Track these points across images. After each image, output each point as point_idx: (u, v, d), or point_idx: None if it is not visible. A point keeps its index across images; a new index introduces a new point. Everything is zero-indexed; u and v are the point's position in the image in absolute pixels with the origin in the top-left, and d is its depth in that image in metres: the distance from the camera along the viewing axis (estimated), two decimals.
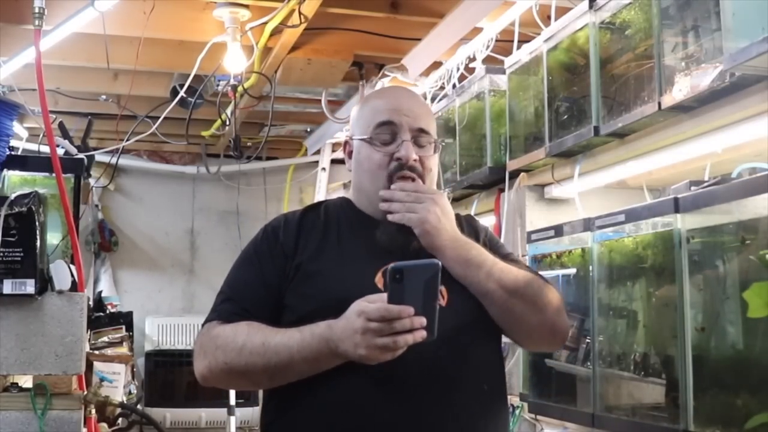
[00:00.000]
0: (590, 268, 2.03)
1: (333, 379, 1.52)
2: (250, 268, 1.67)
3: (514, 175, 2.67)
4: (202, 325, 1.66)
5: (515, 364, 2.45)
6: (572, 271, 2.17)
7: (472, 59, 3.05)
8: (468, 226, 1.79)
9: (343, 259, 1.63)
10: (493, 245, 1.77)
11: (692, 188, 1.74)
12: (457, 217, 1.82)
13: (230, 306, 1.63)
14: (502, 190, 2.73)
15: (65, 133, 3.43)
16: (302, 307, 1.58)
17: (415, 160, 1.66)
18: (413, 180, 1.66)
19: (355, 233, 1.67)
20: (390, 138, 1.67)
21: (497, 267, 1.61)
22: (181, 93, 3.59)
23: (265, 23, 2.99)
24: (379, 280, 1.58)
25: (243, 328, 1.57)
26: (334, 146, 4.80)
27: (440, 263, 1.44)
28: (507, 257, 1.75)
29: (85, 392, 2.64)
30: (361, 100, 1.82)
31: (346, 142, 1.78)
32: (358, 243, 1.65)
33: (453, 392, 1.55)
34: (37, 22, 2.58)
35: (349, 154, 1.75)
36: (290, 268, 1.63)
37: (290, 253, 1.64)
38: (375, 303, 1.44)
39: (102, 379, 3.66)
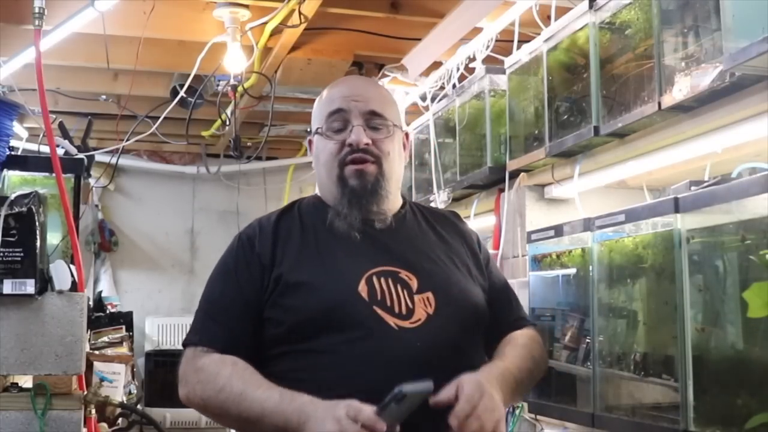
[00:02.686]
0: (590, 268, 2.03)
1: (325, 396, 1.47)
2: (229, 282, 1.64)
3: (514, 175, 2.67)
4: (184, 345, 1.64)
5: None
6: (572, 271, 2.17)
7: (472, 59, 3.05)
8: (453, 228, 1.76)
9: (324, 267, 1.59)
10: (488, 263, 1.77)
11: (692, 188, 1.74)
12: (443, 216, 1.79)
13: (213, 327, 1.61)
14: (502, 190, 2.73)
15: (65, 133, 3.43)
16: (286, 319, 1.55)
17: (367, 144, 1.62)
18: (365, 163, 1.62)
19: (332, 234, 1.64)
20: (342, 125, 1.64)
21: (521, 383, 1.60)
22: (181, 93, 3.59)
23: (265, 23, 3.00)
24: (362, 288, 1.55)
25: (227, 369, 1.54)
26: None
27: (432, 386, 1.41)
28: (499, 283, 1.76)
29: (85, 392, 2.64)
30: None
31: (310, 141, 1.75)
32: (337, 246, 1.62)
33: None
34: (37, 22, 2.58)
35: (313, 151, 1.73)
36: (269, 280, 1.59)
37: (267, 263, 1.61)
38: (366, 411, 1.38)
39: (102, 379, 3.65)
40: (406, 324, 1.53)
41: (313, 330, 1.53)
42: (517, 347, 1.65)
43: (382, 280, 1.57)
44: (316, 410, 1.42)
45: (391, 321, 1.53)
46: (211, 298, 1.66)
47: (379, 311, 1.53)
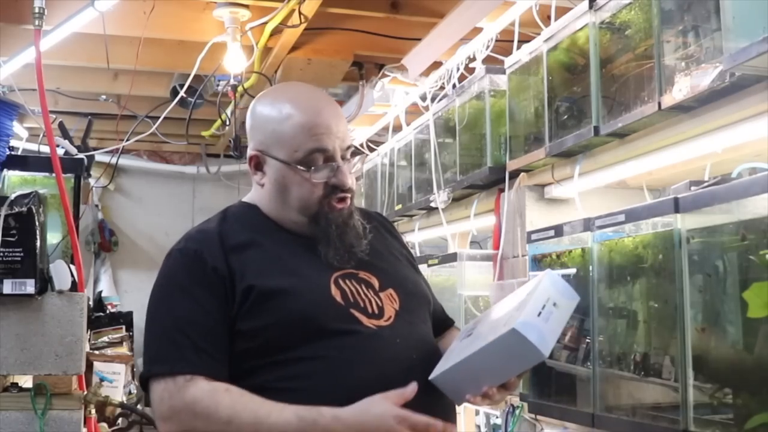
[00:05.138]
0: (590, 268, 2.03)
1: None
2: (187, 301, 1.53)
3: (514, 175, 2.67)
4: (148, 378, 1.50)
5: None
6: (572, 271, 2.17)
7: (472, 59, 3.05)
8: (380, 224, 1.76)
9: (292, 274, 1.55)
10: (412, 259, 1.80)
11: (692, 188, 1.74)
12: (369, 214, 1.76)
13: (185, 352, 1.48)
14: (502, 190, 2.73)
15: (65, 133, 3.44)
16: (264, 329, 1.50)
17: (351, 186, 1.62)
18: (345, 200, 1.60)
19: (289, 248, 1.60)
20: (321, 161, 1.58)
21: None
22: (181, 93, 3.59)
23: (265, 23, 3.00)
24: (335, 292, 1.54)
25: (225, 398, 1.44)
26: None
27: None
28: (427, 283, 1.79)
29: (85, 392, 2.64)
30: (269, 106, 1.65)
31: (255, 156, 1.65)
32: (297, 257, 1.59)
33: (430, 396, 1.53)
34: (37, 22, 2.58)
35: (256, 166, 1.66)
36: (233, 293, 1.51)
37: (226, 275, 1.52)
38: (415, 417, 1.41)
39: (102, 379, 3.66)
40: (381, 323, 1.55)
41: (295, 338, 1.49)
42: None
43: (347, 282, 1.58)
44: (357, 424, 1.41)
45: (368, 322, 1.54)
46: (169, 321, 1.53)
47: (356, 313, 1.54)
